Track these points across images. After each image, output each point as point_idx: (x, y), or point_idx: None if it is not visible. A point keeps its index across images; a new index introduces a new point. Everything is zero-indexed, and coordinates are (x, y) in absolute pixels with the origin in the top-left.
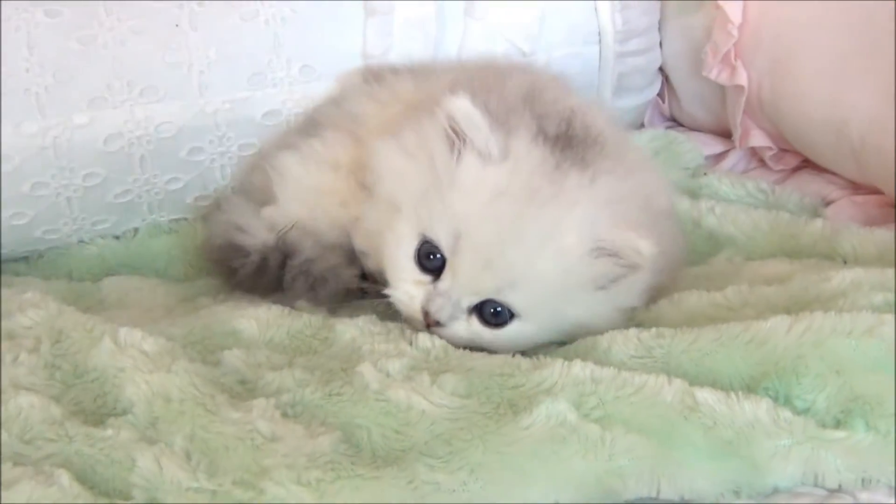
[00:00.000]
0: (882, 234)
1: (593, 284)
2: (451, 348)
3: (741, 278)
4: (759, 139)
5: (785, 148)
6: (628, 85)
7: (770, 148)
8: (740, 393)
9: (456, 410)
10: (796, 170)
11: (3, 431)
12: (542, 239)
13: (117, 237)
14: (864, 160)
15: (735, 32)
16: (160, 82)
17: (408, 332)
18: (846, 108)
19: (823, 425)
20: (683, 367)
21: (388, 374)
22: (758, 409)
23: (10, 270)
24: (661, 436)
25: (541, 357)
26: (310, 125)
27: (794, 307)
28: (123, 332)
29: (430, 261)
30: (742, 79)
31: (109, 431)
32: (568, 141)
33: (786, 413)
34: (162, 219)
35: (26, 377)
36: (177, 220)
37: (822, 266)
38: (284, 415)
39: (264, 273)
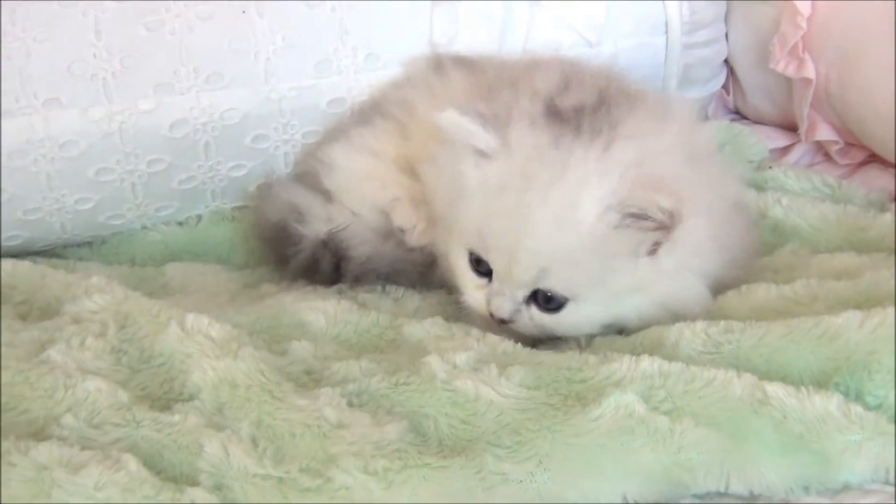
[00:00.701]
0: None
1: (633, 252)
2: (519, 346)
3: (808, 271)
4: (825, 133)
5: (851, 142)
6: (694, 77)
7: (836, 142)
8: (811, 387)
9: (523, 401)
10: (862, 164)
11: (70, 416)
12: (555, 222)
13: (180, 224)
14: None
15: (804, 25)
16: (226, 69)
17: (474, 331)
18: None
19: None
20: (753, 362)
21: (454, 366)
22: (829, 403)
23: (73, 255)
24: (731, 429)
25: (608, 353)
26: (368, 108)
27: (866, 303)
28: (191, 317)
29: (482, 267)
30: (810, 71)
31: (177, 417)
32: (580, 112)
33: (857, 408)
34: (225, 206)
35: (93, 361)
36: (239, 208)
37: (891, 261)
38: (350, 404)
39: (317, 268)
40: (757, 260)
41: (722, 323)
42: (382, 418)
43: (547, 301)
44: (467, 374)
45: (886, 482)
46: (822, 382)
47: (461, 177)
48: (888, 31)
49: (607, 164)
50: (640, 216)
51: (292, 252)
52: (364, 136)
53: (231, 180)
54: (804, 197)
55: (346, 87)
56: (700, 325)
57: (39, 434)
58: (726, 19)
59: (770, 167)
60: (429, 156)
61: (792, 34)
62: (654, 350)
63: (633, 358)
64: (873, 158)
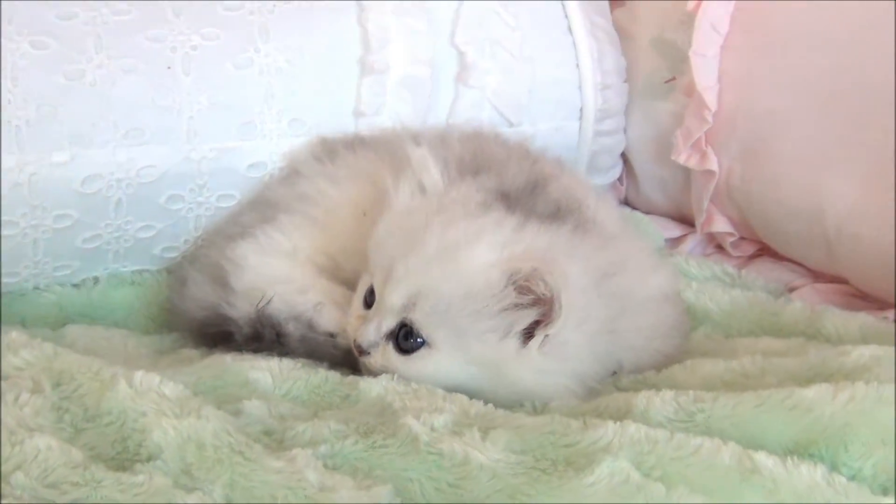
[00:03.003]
0: (863, 318)
1: (504, 325)
2: (486, 409)
3: (736, 353)
4: (721, 225)
5: (744, 235)
6: (598, 164)
7: (731, 234)
8: (794, 457)
9: (513, 466)
10: (753, 257)
11: (21, 474)
12: (443, 247)
13: (76, 286)
14: (837, 249)
15: (710, 119)
16: (147, 125)
17: (439, 390)
18: (823, 196)
19: (872, 492)
20: (726, 432)
21: (433, 428)
22: (815, 473)
23: None
24: (723, 497)
25: (587, 418)
26: (262, 205)
27: (817, 378)
28: (139, 375)
29: (371, 298)
30: (713, 164)
31: (140, 477)
32: (524, 191)
33: (840, 478)
34: (124, 269)
35: (33, 419)
36: (139, 272)
37: (810, 346)
38: (325, 466)
39: (262, 340)
40: (685, 345)
41: (691, 392)
42: (363, 482)
43: (406, 338)
44: (450, 438)
45: None
46: (796, 453)
47: (388, 204)
48: (796, 127)
49: (515, 238)
50: (523, 287)
51: (236, 329)
52: (272, 236)
53: (137, 241)
54: (713, 282)
55: (268, 150)
56: (668, 393)
57: None
58: (626, 112)
59: (671, 255)
60: (371, 214)
61: (697, 128)
62: (621, 416)
63: (618, 423)
64: (763, 252)
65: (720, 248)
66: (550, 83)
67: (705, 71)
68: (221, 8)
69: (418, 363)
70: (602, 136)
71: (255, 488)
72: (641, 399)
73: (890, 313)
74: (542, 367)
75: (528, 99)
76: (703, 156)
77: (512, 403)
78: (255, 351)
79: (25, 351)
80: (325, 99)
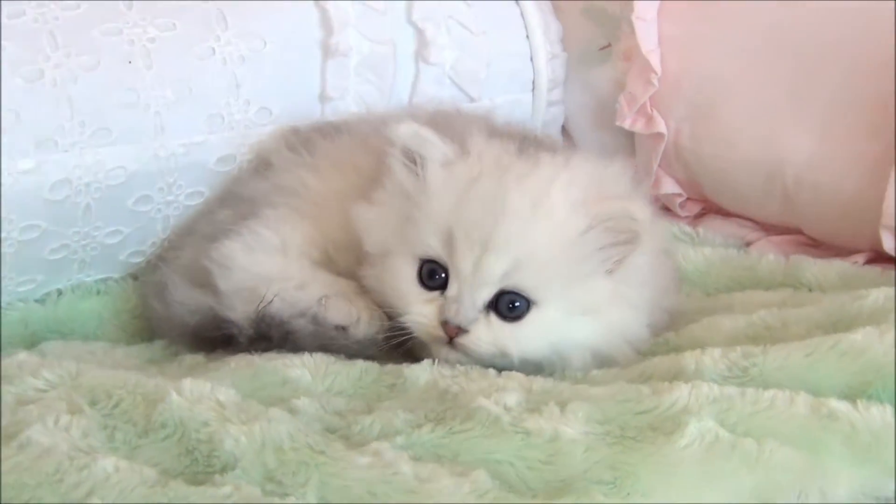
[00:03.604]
0: (839, 264)
1: (599, 264)
2: (546, 383)
3: (733, 308)
4: (669, 186)
5: (690, 196)
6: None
7: (679, 195)
8: (863, 400)
9: (603, 437)
10: (699, 216)
11: (96, 499)
12: (529, 206)
13: (39, 300)
14: (795, 199)
15: (656, 82)
16: (114, 124)
17: (491, 370)
18: (781, 149)
19: None
20: (782, 384)
21: (507, 408)
22: (885, 413)
23: None
24: (807, 446)
25: (654, 383)
26: (237, 201)
27: (840, 324)
28: (188, 383)
29: (434, 279)
30: (661, 126)
31: (226, 489)
32: (523, 138)
33: None
34: (88, 278)
35: (84, 440)
36: (104, 280)
37: (802, 295)
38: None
39: (269, 338)
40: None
41: (738, 348)
42: (454, 468)
43: (510, 307)
44: (530, 415)
45: None
46: (852, 396)
47: (417, 185)
48: (746, 86)
49: (572, 172)
50: (610, 224)
51: (237, 331)
52: (258, 232)
53: (103, 248)
54: (676, 243)
55: (236, 143)
56: (716, 350)
57: None
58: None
59: None
60: (355, 201)
61: (642, 92)
62: (673, 378)
63: (689, 384)
64: (708, 210)
65: (666, 209)
66: (505, 56)
67: (647, 35)
68: None
69: (529, 326)
70: (552, 106)
71: (349, 487)
72: (689, 359)
73: (859, 258)
74: (630, 299)
75: (486, 73)
76: (650, 119)
77: (606, 359)
78: (264, 350)
79: (46, 371)
80: (290, 85)
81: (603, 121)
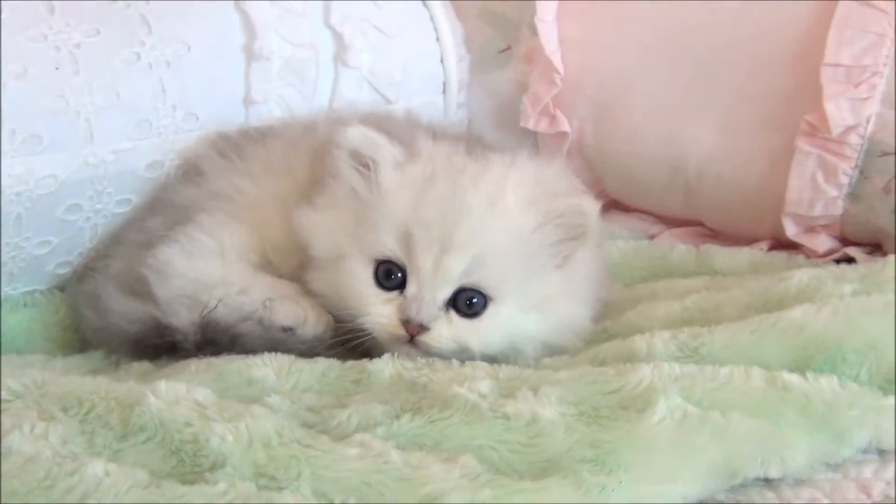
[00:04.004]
0: (748, 251)
1: (549, 259)
2: (512, 370)
3: (657, 295)
4: None
5: (592, 193)
6: None
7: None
8: (811, 373)
9: (579, 417)
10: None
11: (91, 500)
12: (486, 204)
13: None
14: (697, 191)
15: (559, 82)
16: (44, 131)
17: (454, 361)
18: (683, 143)
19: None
20: (730, 361)
21: (481, 395)
22: (832, 383)
23: None
24: (767, 417)
25: (614, 365)
26: (167, 208)
27: (770, 304)
28: (163, 385)
29: (391, 280)
30: (565, 125)
31: (221, 486)
32: (462, 139)
33: (852, 386)
34: (14, 291)
35: (64, 446)
36: (30, 293)
37: (717, 281)
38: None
39: (216, 342)
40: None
41: (686, 329)
42: (440, 454)
43: (468, 304)
44: (505, 400)
45: (868, 451)
46: (797, 371)
47: (369, 188)
48: (646, 82)
49: (520, 171)
50: (561, 220)
51: (182, 337)
52: (195, 237)
53: (32, 260)
54: None
55: (164, 149)
56: (664, 333)
57: None
58: None
59: None
60: (293, 205)
61: (545, 92)
62: (626, 360)
63: (651, 365)
64: (609, 206)
65: None
66: (418, 58)
67: (549, 36)
68: (93, 3)
69: (487, 322)
70: (460, 108)
71: (342, 478)
72: (639, 343)
73: (762, 245)
74: (577, 292)
75: (401, 75)
76: (553, 119)
77: (556, 349)
78: (212, 354)
79: (9, 380)
80: (215, 90)
81: (505, 122)
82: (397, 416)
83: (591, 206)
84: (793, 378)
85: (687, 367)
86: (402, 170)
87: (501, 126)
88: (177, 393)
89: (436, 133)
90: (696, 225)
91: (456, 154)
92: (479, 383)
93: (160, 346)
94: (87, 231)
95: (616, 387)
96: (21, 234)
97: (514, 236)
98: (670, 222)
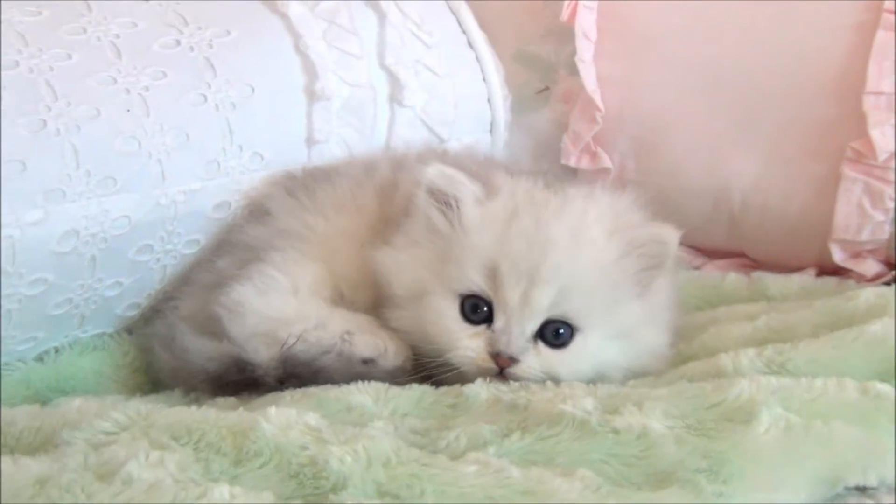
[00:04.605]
0: (798, 278)
1: (632, 288)
2: (609, 388)
3: (719, 321)
4: None
5: None
6: None
7: None
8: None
9: (687, 429)
10: None
11: None
12: (570, 237)
13: (38, 359)
14: (742, 222)
15: (600, 120)
16: (118, 172)
17: (549, 382)
18: (726, 175)
19: None
20: (816, 375)
21: (586, 411)
22: None
23: None
24: (867, 425)
25: (711, 380)
26: (237, 249)
27: (840, 322)
28: (273, 411)
29: (477, 313)
30: (606, 162)
31: None
32: (539, 174)
33: None
34: (84, 334)
35: (182, 473)
36: (99, 336)
37: (776, 304)
38: None
39: (300, 376)
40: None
41: (769, 346)
42: (556, 470)
43: (556, 335)
44: (612, 415)
45: None
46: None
47: (451, 224)
48: (688, 118)
49: (599, 203)
50: (643, 249)
51: (262, 372)
52: (269, 275)
53: (104, 302)
54: None
55: (231, 189)
56: (748, 351)
57: None
58: None
59: None
60: (365, 241)
61: (586, 130)
62: (715, 377)
63: (747, 378)
64: None
65: None
66: (467, 98)
67: (589, 75)
68: (158, 46)
69: (574, 351)
70: (505, 147)
71: (466, 494)
72: (725, 360)
73: (809, 271)
74: (657, 319)
75: (454, 115)
76: (594, 156)
77: (639, 374)
78: (295, 387)
79: (114, 412)
80: (279, 130)
81: (545, 160)
82: (506, 435)
83: (672, 235)
84: (883, 387)
85: (782, 379)
86: (483, 206)
87: (541, 165)
88: (288, 418)
89: (509, 169)
90: (738, 256)
91: (536, 189)
92: (583, 400)
93: (240, 381)
94: (157, 272)
95: (716, 400)
96: (95, 275)
97: (598, 267)
98: (713, 254)
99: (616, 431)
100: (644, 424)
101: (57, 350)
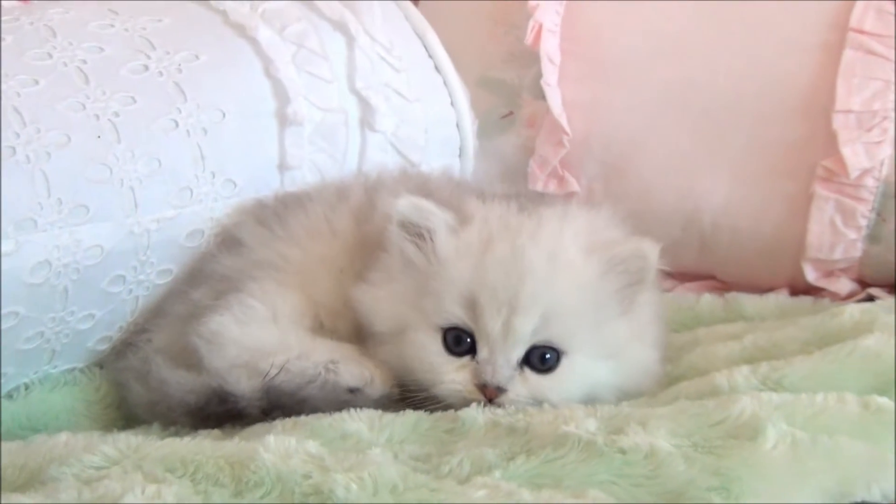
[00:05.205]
0: (773, 297)
1: (616, 306)
2: (609, 408)
3: (698, 341)
4: None
5: None
6: None
7: None
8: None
9: (695, 447)
10: None
11: None
12: (547, 261)
13: (8, 396)
14: (712, 244)
15: (567, 144)
16: (90, 200)
17: (546, 405)
18: (696, 197)
19: None
20: (813, 390)
21: (590, 432)
22: None
23: None
24: (872, 438)
25: (713, 398)
26: (211, 279)
27: (827, 338)
28: (271, 439)
29: (460, 345)
30: (574, 185)
31: None
32: (511, 196)
33: None
34: (54, 370)
35: None
36: (69, 371)
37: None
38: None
39: (283, 406)
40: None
41: (764, 363)
42: (565, 492)
43: (542, 361)
44: (616, 436)
45: None
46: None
47: (426, 257)
48: (656, 140)
49: (574, 222)
50: (623, 266)
51: (245, 404)
52: (248, 304)
53: (75, 335)
54: None
55: (204, 217)
56: (742, 368)
57: None
58: None
59: None
60: (341, 268)
61: (553, 154)
62: (710, 395)
63: (747, 395)
64: None
65: None
66: (438, 122)
67: (555, 99)
68: (126, 71)
69: (562, 375)
70: (473, 173)
71: None
72: (719, 379)
73: (782, 291)
74: (644, 336)
75: (424, 139)
76: (562, 180)
77: (632, 394)
78: (277, 418)
79: (104, 446)
80: (251, 156)
81: (511, 185)
82: (511, 459)
83: (651, 249)
84: (885, 401)
85: (783, 395)
86: (457, 235)
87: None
88: (287, 446)
89: (482, 193)
90: (708, 279)
91: (509, 213)
92: (585, 422)
93: (223, 413)
94: (129, 303)
95: (719, 418)
96: (67, 307)
97: (578, 289)
98: (683, 277)
99: (623, 451)
100: (651, 444)
101: (27, 386)
